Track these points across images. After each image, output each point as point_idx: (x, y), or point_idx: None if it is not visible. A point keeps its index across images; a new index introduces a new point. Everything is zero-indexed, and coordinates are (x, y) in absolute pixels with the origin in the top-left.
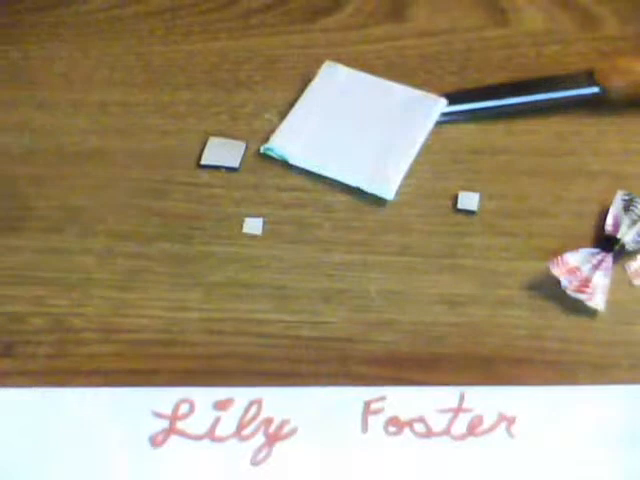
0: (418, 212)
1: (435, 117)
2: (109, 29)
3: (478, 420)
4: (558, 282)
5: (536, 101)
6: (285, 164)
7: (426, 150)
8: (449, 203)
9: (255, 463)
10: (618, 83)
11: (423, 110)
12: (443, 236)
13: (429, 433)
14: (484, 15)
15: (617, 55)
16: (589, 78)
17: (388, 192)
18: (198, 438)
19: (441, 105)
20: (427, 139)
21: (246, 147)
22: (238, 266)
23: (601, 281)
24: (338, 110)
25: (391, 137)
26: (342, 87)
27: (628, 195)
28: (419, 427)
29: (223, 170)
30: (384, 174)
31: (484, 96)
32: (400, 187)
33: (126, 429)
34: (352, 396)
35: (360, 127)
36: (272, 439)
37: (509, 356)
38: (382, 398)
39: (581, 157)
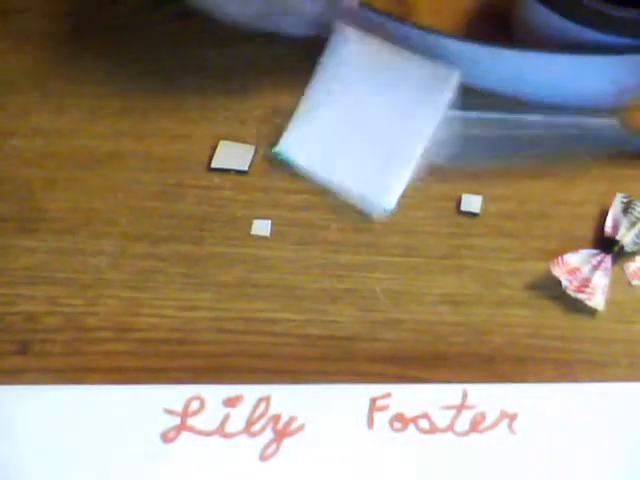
0: (422, 214)
1: (447, 99)
2: (121, 36)
3: (481, 417)
4: (558, 282)
5: None
6: (293, 167)
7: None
8: (452, 205)
9: (264, 459)
10: None
11: (434, 95)
12: (447, 237)
13: (433, 429)
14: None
15: None
16: None
17: (389, 203)
18: (208, 434)
19: (454, 78)
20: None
21: (255, 151)
22: (247, 267)
23: (601, 281)
24: (346, 107)
25: (396, 141)
26: (352, 70)
27: (627, 198)
28: (423, 423)
29: (233, 173)
30: (386, 185)
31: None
32: (405, 190)
33: (138, 426)
34: (358, 393)
35: (368, 122)
36: (280, 435)
37: (511, 354)
38: (387, 395)
39: (581, 160)
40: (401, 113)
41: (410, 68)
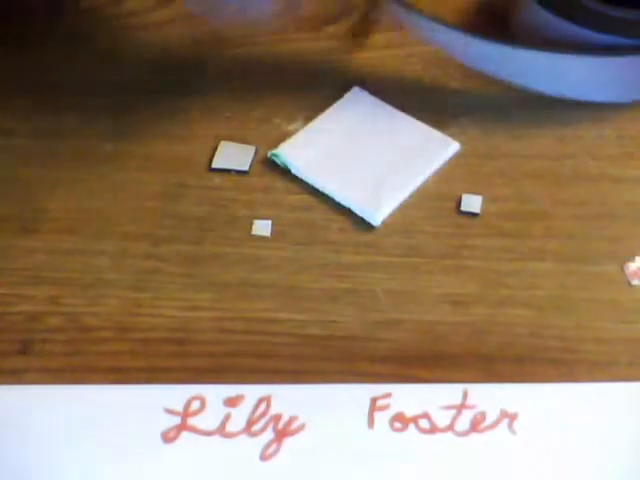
0: (423, 214)
1: (443, 159)
2: (121, 37)
3: (481, 417)
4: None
5: None
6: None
7: None
8: (452, 205)
9: (264, 458)
10: None
11: (433, 150)
12: (447, 237)
13: (433, 429)
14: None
15: None
16: None
17: (375, 219)
18: (209, 434)
19: (453, 148)
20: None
21: (256, 151)
22: (248, 267)
23: None
24: (352, 134)
25: (394, 169)
26: (363, 113)
27: None
28: (424, 423)
29: (233, 173)
30: (377, 202)
31: None
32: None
33: (139, 425)
34: (359, 393)
35: (367, 154)
36: (281, 435)
37: (511, 354)
38: (388, 395)
39: (581, 161)
40: (398, 157)
41: (416, 129)
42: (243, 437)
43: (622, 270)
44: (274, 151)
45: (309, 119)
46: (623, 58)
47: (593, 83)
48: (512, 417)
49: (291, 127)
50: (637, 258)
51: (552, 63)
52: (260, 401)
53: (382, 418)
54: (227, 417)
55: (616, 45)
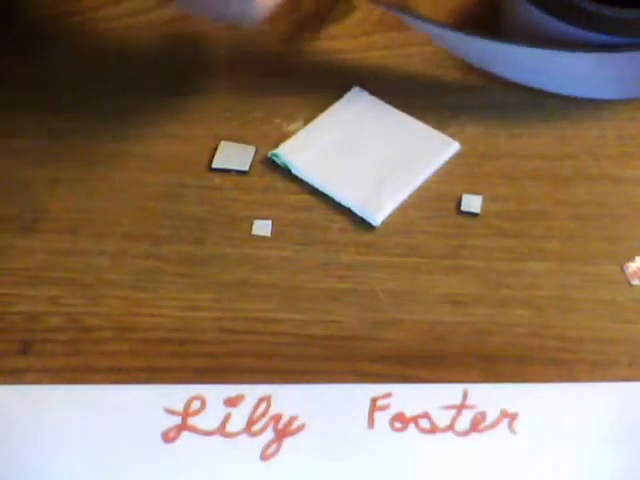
0: (423, 214)
1: (443, 159)
2: (122, 37)
3: (481, 416)
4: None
5: None
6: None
7: None
8: (452, 205)
9: (264, 458)
10: None
11: (434, 150)
12: (447, 238)
13: (433, 429)
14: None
15: None
16: None
17: (376, 219)
18: (209, 434)
19: (453, 148)
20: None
21: (256, 151)
22: (248, 267)
23: None
24: (352, 134)
25: (394, 169)
26: (363, 113)
27: None
28: (424, 423)
29: (233, 173)
30: (377, 202)
31: None
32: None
33: (139, 425)
34: (359, 393)
35: (367, 154)
36: (281, 435)
37: (511, 354)
38: (388, 395)
39: (581, 161)
40: (398, 157)
41: (416, 129)
42: (243, 437)
43: (622, 270)
44: (274, 151)
45: (309, 119)
46: (619, 55)
47: (590, 80)
48: (512, 417)
49: (291, 127)
50: (637, 258)
51: (544, 59)
52: (260, 401)
53: (382, 418)
54: (227, 417)
55: (611, 44)
